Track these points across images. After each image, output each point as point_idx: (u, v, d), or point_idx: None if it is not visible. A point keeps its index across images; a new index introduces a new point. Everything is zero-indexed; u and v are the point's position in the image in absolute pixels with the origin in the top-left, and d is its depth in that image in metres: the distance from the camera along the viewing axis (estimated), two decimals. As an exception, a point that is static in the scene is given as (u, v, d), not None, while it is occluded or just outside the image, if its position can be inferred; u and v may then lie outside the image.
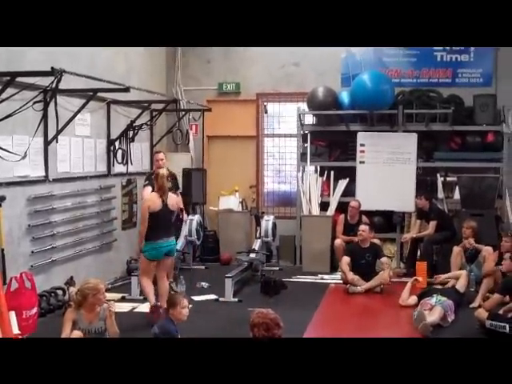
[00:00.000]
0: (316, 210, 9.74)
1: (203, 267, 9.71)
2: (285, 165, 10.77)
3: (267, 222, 9.63)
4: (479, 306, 6.77)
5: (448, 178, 9.65)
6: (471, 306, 7.11)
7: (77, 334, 4.97)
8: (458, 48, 9.89)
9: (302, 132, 10.08)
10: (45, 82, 6.37)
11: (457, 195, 9.49)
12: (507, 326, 6.00)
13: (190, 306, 5.62)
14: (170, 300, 5.24)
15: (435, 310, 6.43)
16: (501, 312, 6.35)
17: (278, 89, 10.53)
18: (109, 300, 5.32)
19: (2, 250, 6.32)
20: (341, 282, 8.45)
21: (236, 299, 7.63)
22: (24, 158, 6.46)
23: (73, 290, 6.50)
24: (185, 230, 9.23)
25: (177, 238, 8.02)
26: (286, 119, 10.68)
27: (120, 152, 8.60)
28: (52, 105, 6.62)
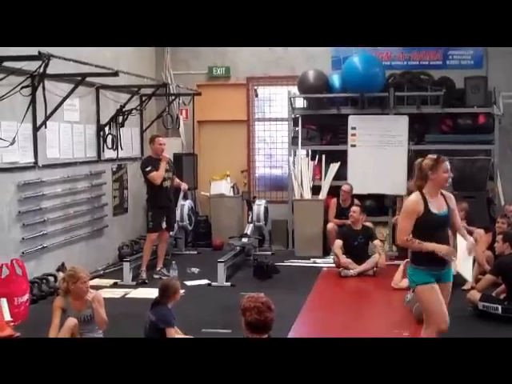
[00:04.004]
0: (308, 194, 9.70)
1: (195, 252, 9.68)
2: (276, 149, 10.73)
3: (259, 206, 9.60)
4: (472, 288, 6.78)
5: (440, 161, 9.61)
6: (463, 287, 7.11)
7: (72, 320, 4.92)
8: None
9: (293, 116, 10.03)
10: (32, 67, 6.30)
11: (448, 177, 9.47)
12: (499, 307, 6.04)
13: (183, 291, 5.59)
14: (168, 286, 5.12)
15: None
16: (493, 294, 6.37)
17: (268, 72, 10.46)
18: (97, 288, 5.25)
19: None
20: (333, 265, 8.45)
21: (229, 284, 7.61)
22: (12, 144, 6.41)
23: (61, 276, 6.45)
24: (176, 216, 9.20)
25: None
26: (277, 103, 10.62)
27: (110, 137, 8.55)
28: (40, 90, 6.55)
